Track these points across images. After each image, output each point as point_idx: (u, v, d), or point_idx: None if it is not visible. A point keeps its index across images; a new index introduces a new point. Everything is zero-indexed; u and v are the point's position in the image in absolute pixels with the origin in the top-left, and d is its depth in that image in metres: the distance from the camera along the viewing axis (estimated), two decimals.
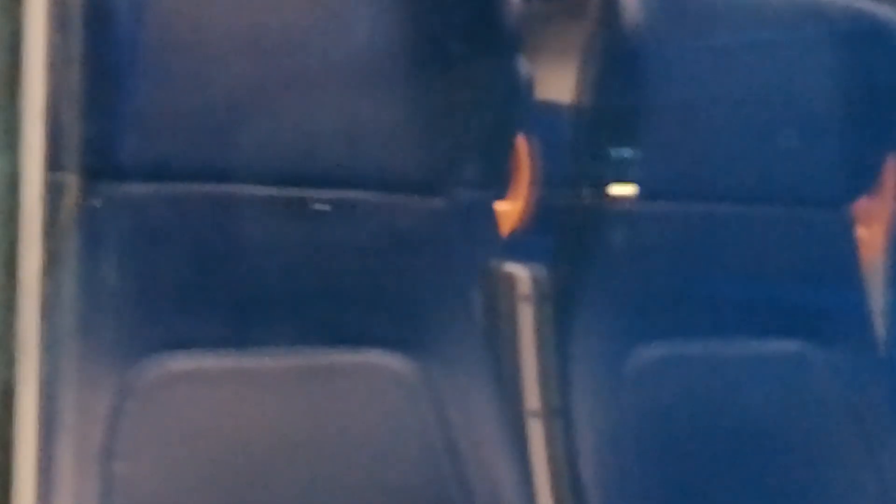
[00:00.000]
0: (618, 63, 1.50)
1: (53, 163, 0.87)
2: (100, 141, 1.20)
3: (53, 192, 0.87)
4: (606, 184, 1.52)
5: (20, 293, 0.84)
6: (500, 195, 1.54)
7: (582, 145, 1.53)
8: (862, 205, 1.65)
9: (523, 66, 1.47)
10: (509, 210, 1.58)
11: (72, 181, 1.16)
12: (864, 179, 1.65)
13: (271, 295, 1.32)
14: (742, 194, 1.57)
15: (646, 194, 1.52)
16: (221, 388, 1.29)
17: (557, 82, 1.58)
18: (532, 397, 1.45)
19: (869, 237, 1.66)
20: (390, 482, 1.34)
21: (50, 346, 0.86)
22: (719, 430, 1.53)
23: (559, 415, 1.45)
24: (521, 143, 1.58)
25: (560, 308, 1.48)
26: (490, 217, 1.47)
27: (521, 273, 1.47)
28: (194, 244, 1.29)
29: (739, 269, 1.58)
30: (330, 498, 1.31)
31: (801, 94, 1.59)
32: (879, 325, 1.66)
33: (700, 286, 1.55)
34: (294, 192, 1.32)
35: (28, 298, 0.84)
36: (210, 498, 1.26)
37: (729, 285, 1.57)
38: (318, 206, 1.33)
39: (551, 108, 1.60)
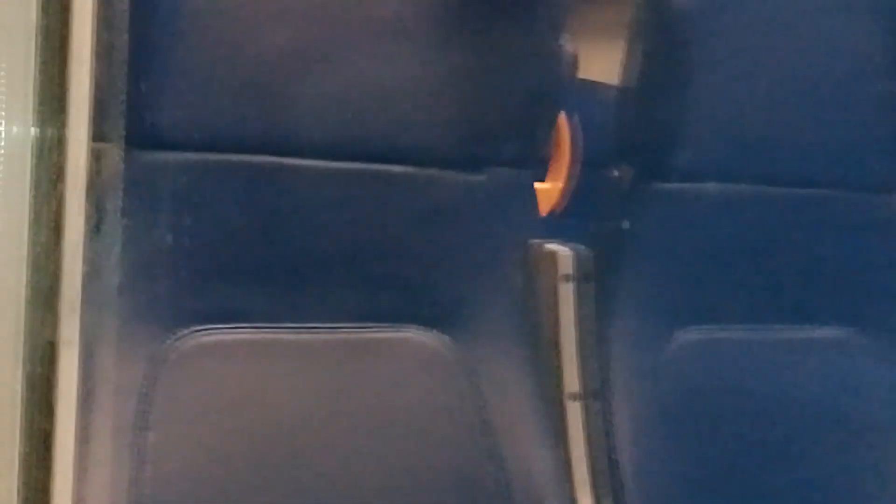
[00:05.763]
0: (663, 41, 1.49)
1: (99, 131, 0.87)
2: (144, 109, 1.22)
3: (99, 160, 0.87)
4: (649, 164, 1.51)
5: (64, 258, 0.84)
6: (541, 174, 1.54)
7: (625, 125, 1.52)
8: None
9: (567, 44, 1.47)
10: (550, 189, 1.58)
11: (117, 150, 1.16)
12: None
13: (308, 270, 1.32)
14: (788, 177, 1.56)
15: (689, 176, 1.50)
16: (256, 362, 1.29)
17: (601, 61, 1.58)
18: (571, 378, 1.45)
19: None
20: (423, 459, 1.34)
21: (91, 310, 0.86)
22: (759, 415, 1.53)
23: (598, 396, 1.45)
24: (563, 122, 1.58)
25: (601, 289, 1.47)
26: (530, 195, 1.47)
27: (563, 252, 1.46)
28: (233, 216, 1.29)
29: (784, 253, 1.57)
30: (362, 474, 1.31)
31: (855, 72, 1.57)
32: None
33: (743, 270, 1.54)
34: (333, 164, 1.32)
35: (71, 263, 0.85)
36: (241, 470, 1.26)
37: (772, 269, 1.55)
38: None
39: (594, 87, 1.60)
